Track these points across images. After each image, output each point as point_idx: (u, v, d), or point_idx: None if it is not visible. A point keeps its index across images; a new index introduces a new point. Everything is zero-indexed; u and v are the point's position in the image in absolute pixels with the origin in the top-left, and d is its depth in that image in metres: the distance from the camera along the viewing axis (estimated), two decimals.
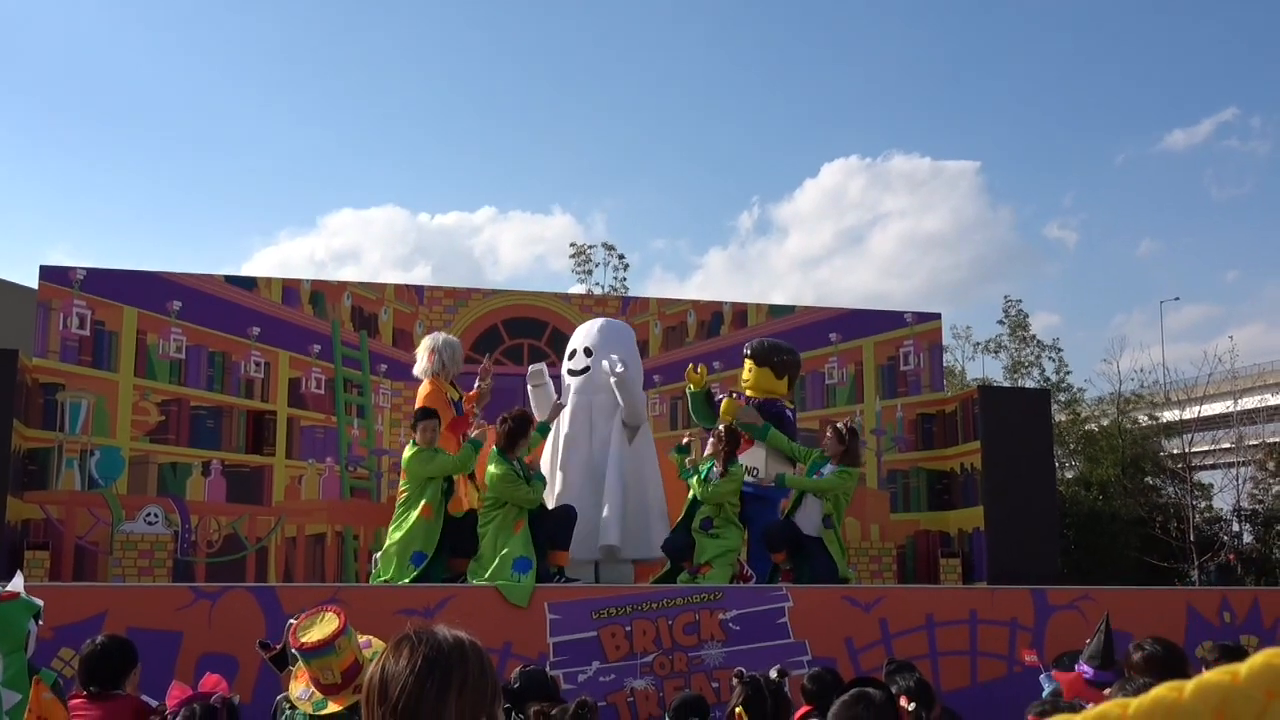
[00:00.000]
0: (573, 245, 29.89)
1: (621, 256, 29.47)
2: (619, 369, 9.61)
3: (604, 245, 29.78)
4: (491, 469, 8.65)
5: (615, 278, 29.20)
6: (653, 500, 9.81)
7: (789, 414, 10.18)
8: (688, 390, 10.12)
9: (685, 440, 9.74)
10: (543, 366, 10.07)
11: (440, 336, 9.63)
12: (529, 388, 9.89)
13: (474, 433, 8.99)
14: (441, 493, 8.78)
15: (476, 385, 9.54)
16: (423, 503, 8.65)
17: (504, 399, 10.07)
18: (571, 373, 9.88)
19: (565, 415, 9.65)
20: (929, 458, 14.65)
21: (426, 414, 8.86)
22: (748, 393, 10.19)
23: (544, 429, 9.30)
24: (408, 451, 8.80)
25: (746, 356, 10.14)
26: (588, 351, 9.90)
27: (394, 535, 8.70)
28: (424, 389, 9.40)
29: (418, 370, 9.60)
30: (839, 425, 9.46)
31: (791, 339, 13.65)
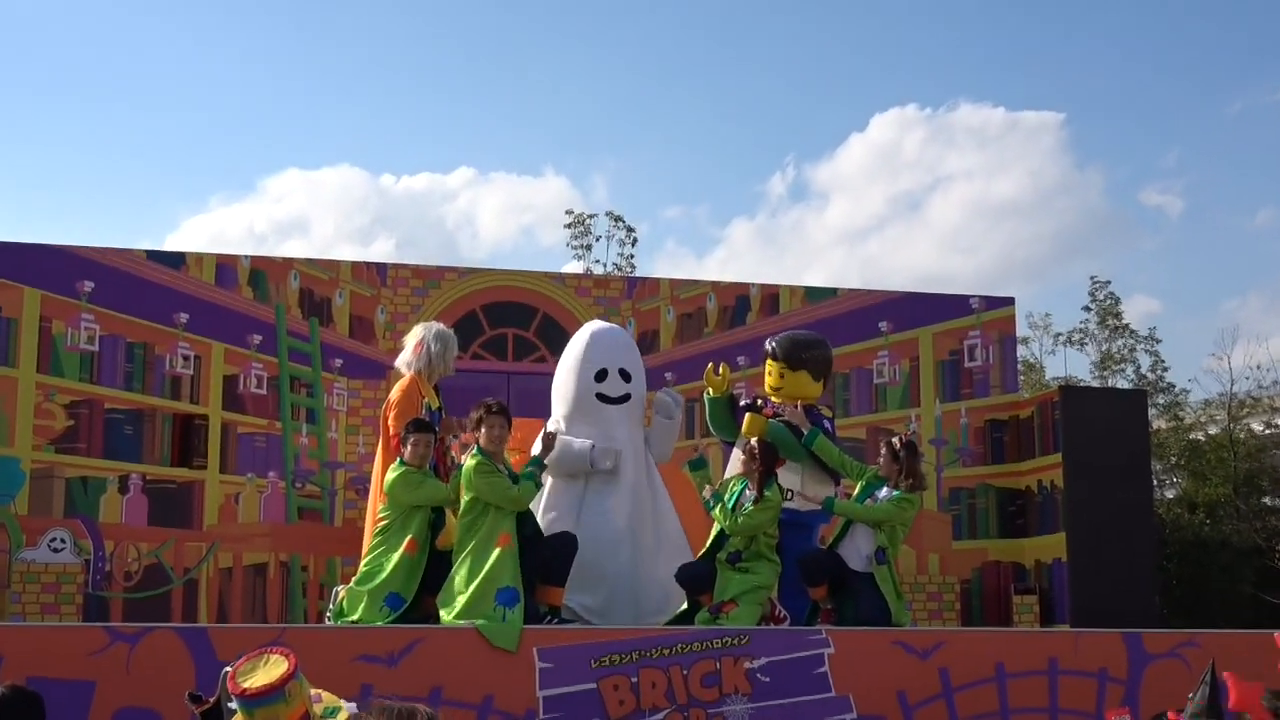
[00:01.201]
0: (569, 213, 29.92)
1: (630, 229, 29.50)
2: (679, 411, 9.81)
3: (607, 214, 29.81)
4: (467, 463, 8.62)
5: (620, 254, 29.24)
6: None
7: (827, 424, 10.14)
8: (706, 396, 10.09)
9: (699, 452, 9.70)
10: (678, 399, 10.02)
11: (434, 327, 9.60)
12: (657, 417, 9.84)
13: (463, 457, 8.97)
14: (428, 524, 8.76)
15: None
16: (407, 537, 8.61)
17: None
18: (605, 399, 9.72)
19: (628, 455, 9.59)
20: (1000, 473, 14.64)
21: (420, 426, 8.83)
22: (773, 399, 10.18)
23: (536, 468, 9.12)
24: (392, 471, 8.77)
25: (773, 359, 10.08)
26: (625, 375, 9.80)
27: (368, 571, 8.67)
28: (400, 384, 9.42)
29: (399, 362, 9.59)
30: (894, 440, 9.44)
31: (833, 328, 13.66)
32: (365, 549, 8.94)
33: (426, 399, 9.34)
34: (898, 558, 9.44)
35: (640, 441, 9.77)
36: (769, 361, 10.11)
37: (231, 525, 13.17)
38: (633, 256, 29.28)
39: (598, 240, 29.34)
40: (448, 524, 8.84)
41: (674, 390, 10.25)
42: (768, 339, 10.37)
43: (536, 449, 9.34)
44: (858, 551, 9.19)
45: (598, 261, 29.07)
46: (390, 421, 9.28)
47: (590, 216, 29.63)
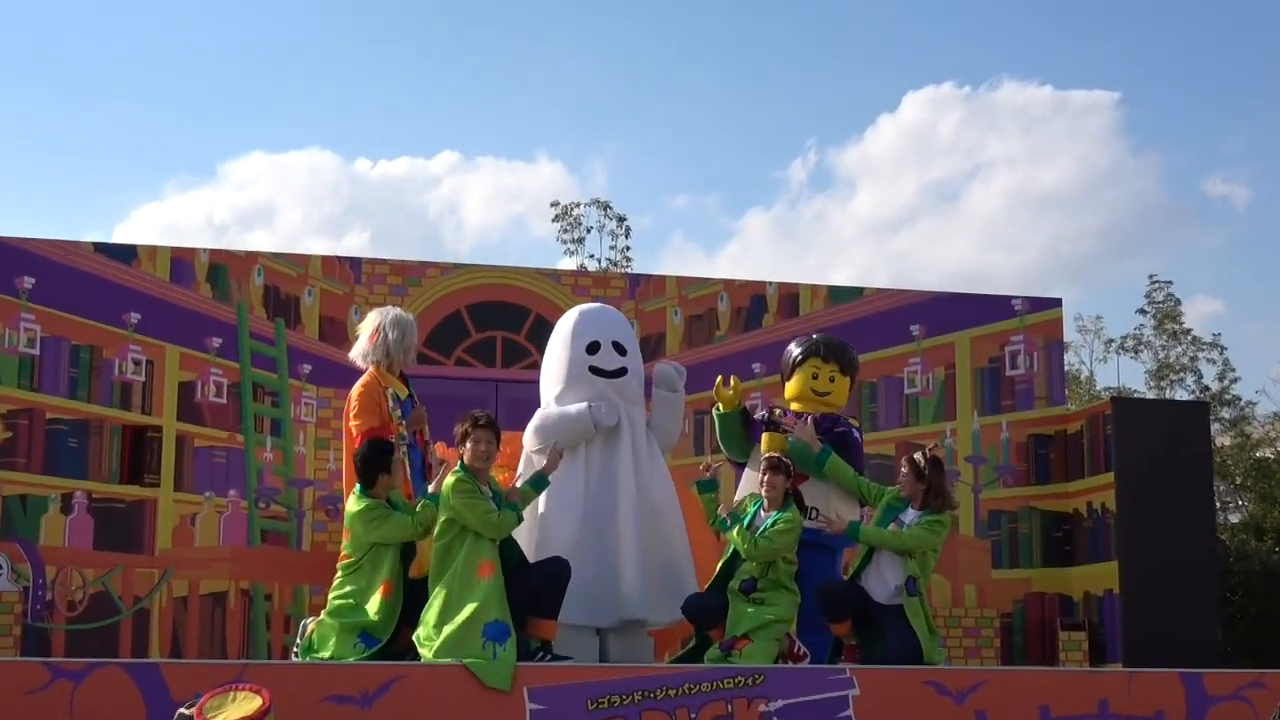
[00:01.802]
0: (555, 204, 29.78)
1: (621, 219, 29.40)
2: (682, 382, 9.90)
3: (596, 203, 29.68)
4: (446, 480, 8.62)
5: (614, 247, 29.17)
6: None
7: (856, 435, 10.16)
8: (715, 411, 10.13)
9: (708, 471, 9.70)
10: (680, 369, 10.11)
11: (390, 313, 9.63)
12: (658, 392, 9.91)
13: (434, 485, 8.97)
14: (400, 558, 8.74)
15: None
16: (381, 580, 8.59)
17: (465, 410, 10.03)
18: (599, 373, 9.82)
19: (626, 431, 9.65)
20: (1045, 494, 14.63)
21: (378, 449, 8.81)
22: (793, 407, 10.21)
23: (540, 485, 9.19)
24: (353, 503, 8.76)
25: (823, 361, 10.09)
26: (620, 348, 9.88)
27: (339, 606, 8.66)
28: (358, 385, 9.42)
29: (354, 354, 9.60)
30: (916, 456, 9.46)
31: (859, 332, 13.65)
32: (334, 583, 8.93)
33: (392, 389, 9.34)
34: (929, 586, 9.45)
35: (641, 421, 9.81)
36: (815, 362, 10.11)
37: (187, 549, 13.16)
38: (628, 249, 29.23)
39: (589, 233, 29.27)
40: (420, 552, 8.82)
41: (677, 364, 10.28)
42: (794, 341, 10.40)
43: (523, 468, 9.40)
44: (884, 582, 9.20)
45: (592, 256, 29.01)
46: (351, 423, 9.28)
47: (576, 206, 29.46)
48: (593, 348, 9.81)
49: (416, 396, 9.64)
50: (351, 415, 9.29)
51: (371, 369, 9.40)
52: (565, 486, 9.52)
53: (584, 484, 9.60)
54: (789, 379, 10.27)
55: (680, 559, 9.72)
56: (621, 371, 9.81)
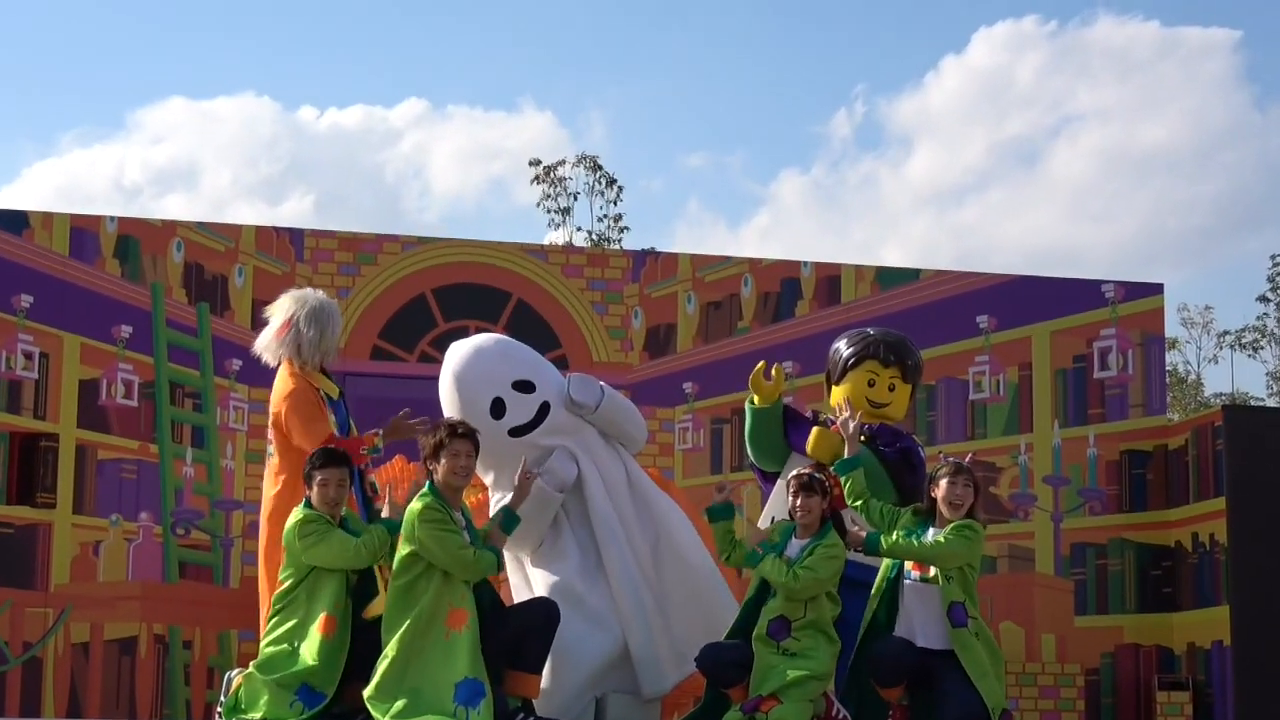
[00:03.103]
0: (536, 164, 29.62)
1: (612, 182, 29.25)
2: (597, 389, 9.80)
3: (580, 160, 29.46)
4: (413, 504, 8.59)
5: (605, 216, 29.07)
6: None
7: (922, 453, 10.10)
8: (749, 406, 10.07)
9: (724, 492, 9.64)
10: (585, 381, 9.97)
11: (309, 301, 9.34)
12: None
13: (385, 507, 8.94)
14: (346, 589, 8.71)
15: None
16: (320, 613, 8.56)
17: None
18: (520, 432, 9.69)
19: (589, 467, 9.64)
20: (1140, 523, 14.63)
21: (331, 458, 8.77)
22: (828, 416, 10.20)
23: (510, 525, 9.13)
24: (293, 516, 8.74)
25: (883, 364, 10.03)
26: (525, 386, 9.75)
27: (272, 655, 8.65)
28: (282, 384, 9.28)
29: (259, 345, 9.35)
30: (963, 462, 9.39)
31: (915, 323, 13.59)
32: (264, 619, 8.91)
33: (323, 389, 9.25)
34: (984, 611, 9.38)
35: (596, 443, 9.76)
36: (873, 365, 10.00)
37: (89, 584, 13.17)
38: (620, 218, 29.11)
39: (574, 199, 29.20)
40: (381, 593, 8.79)
41: (578, 376, 10.15)
42: (843, 337, 10.23)
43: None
44: (925, 619, 9.11)
45: (580, 229, 28.99)
46: (291, 432, 9.16)
47: (560, 165, 29.21)
48: (497, 409, 9.63)
49: (345, 397, 9.55)
50: (293, 430, 9.17)
51: (285, 366, 9.24)
52: (551, 571, 9.59)
53: (576, 558, 9.59)
54: (837, 383, 10.14)
55: (703, 591, 9.69)
56: (544, 410, 9.69)
